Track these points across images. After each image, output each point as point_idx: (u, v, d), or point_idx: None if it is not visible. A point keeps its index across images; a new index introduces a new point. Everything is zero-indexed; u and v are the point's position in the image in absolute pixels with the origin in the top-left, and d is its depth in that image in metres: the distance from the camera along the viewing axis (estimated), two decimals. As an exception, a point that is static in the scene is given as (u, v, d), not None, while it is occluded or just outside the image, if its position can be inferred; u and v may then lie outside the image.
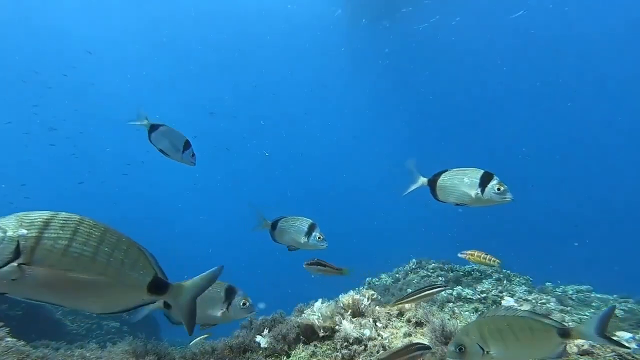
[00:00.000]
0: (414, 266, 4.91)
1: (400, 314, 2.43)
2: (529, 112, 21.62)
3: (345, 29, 16.07)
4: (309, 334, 2.16)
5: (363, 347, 2.01)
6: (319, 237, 2.16)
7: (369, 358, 1.94)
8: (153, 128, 2.12)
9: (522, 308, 2.20)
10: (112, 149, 20.18)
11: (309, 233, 2.15)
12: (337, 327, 2.13)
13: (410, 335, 2.19)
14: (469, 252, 2.50)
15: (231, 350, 2.20)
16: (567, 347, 1.79)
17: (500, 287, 4.07)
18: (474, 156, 22.92)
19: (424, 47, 16.56)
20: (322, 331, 2.14)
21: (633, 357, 1.73)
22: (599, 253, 16.79)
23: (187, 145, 2.13)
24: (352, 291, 2.59)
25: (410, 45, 16.43)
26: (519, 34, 16.41)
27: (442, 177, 1.91)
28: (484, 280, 4.28)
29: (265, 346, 2.13)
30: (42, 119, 16.40)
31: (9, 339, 2.40)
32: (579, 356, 1.76)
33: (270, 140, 25.11)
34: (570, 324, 1.50)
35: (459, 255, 2.54)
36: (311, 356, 2.01)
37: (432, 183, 1.93)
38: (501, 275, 4.34)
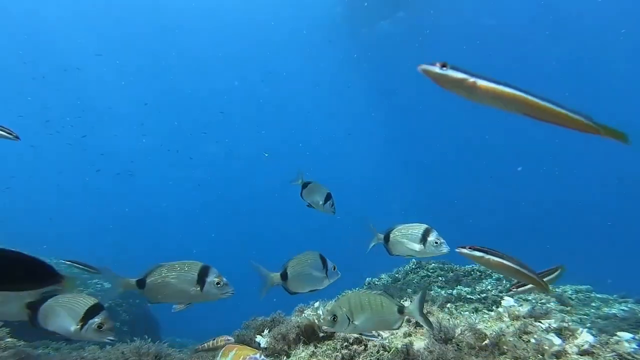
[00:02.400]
0: (413, 266, 4.91)
1: (400, 314, 2.43)
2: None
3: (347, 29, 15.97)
4: (309, 334, 2.16)
5: (363, 347, 2.01)
6: (437, 242, 1.94)
7: (369, 358, 1.95)
8: (304, 186, 2.44)
9: (522, 308, 2.20)
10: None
11: (424, 239, 1.94)
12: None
13: (410, 335, 2.19)
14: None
15: (231, 350, 2.20)
16: (567, 347, 1.79)
17: (500, 287, 4.07)
18: (475, 158, 22.97)
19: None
20: (322, 331, 2.15)
21: (633, 357, 1.73)
22: (600, 253, 16.79)
23: (327, 197, 2.36)
24: (348, 291, 2.59)
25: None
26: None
27: None
28: (484, 280, 4.28)
29: (265, 346, 2.13)
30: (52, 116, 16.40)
31: (9, 339, 2.40)
32: (579, 356, 1.76)
33: (270, 139, 25.17)
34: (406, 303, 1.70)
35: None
36: (311, 356, 2.01)
37: None
38: (501, 275, 4.34)
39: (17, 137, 1.85)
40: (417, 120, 22.52)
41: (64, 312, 1.52)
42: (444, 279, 4.47)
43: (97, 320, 1.49)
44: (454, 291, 4.04)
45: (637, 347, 1.76)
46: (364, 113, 22.87)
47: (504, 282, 4.19)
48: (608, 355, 1.74)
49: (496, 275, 4.33)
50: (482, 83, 0.65)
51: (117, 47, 18.97)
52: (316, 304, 2.41)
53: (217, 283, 1.63)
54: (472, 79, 0.65)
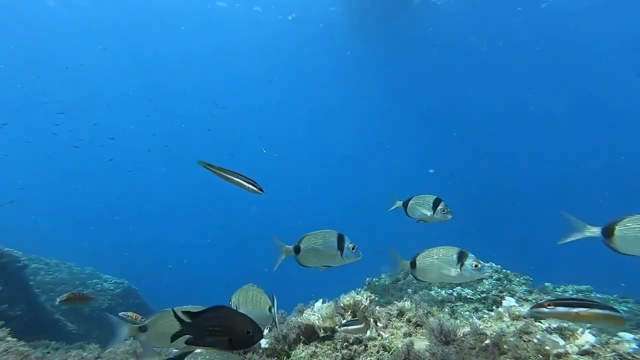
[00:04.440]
0: (414, 266, 4.90)
1: (401, 313, 2.43)
2: (530, 113, 21.60)
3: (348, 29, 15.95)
4: (309, 334, 2.16)
5: (363, 347, 2.01)
6: None
7: (369, 358, 1.94)
8: (405, 205, 2.35)
9: (523, 308, 2.20)
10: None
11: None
12: (337, 327, 2.13)
13: (410, 335, 2.19)
14: None
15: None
16: (568, 347, 1.79)
17: (500, 287, 4.07)
18: (474, 157, 22.96)
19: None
20: (322, 331, 2.14)
21: (633, 357, 1.73)
22: (600, 253, 16.75)
23: (436, 203, 2.21)
24: (353, 292, 2.59)
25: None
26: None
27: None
28: (484, 281, 4.28)
29: (266, 346, 2.13)
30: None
31: (9, 338, 2.40)
32: (579, 356, 1.76)
33: (270, 138, 25.18)
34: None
35: None
36: (312, 356, 2.01)
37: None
38: (501, 276, 4.33)
39: (261, 190, 1.78)
40: (416, 119, 22.54)
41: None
42: (444, 279, 4.47)
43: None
44: (454, 291, 4.04)
45: (637, 347, 1.76)
46: (365, 112, 22.90)
47: (505, 282, 4.19)
48: (608, 355, 1.74)
49: (496, 276, 4.33)
50: None
51: (118, 44, 18.95)
52: (316, 304, 2.41)
53: (352, 248, 1.80)
54: None
